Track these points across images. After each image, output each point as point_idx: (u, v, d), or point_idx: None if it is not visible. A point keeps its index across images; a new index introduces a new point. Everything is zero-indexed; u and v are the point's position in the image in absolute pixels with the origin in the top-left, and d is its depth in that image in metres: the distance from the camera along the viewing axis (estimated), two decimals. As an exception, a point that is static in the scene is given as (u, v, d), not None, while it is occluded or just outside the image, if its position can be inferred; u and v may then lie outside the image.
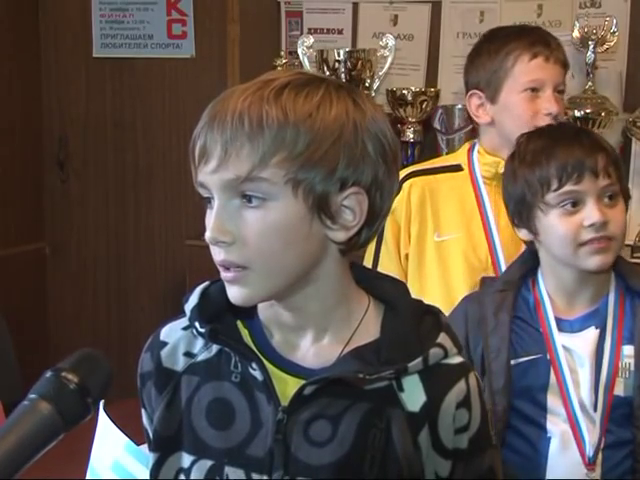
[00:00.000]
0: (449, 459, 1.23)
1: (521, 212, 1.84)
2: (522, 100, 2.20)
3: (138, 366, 1.31)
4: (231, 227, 1.16)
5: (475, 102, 2.27)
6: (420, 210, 2.29)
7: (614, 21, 3.04)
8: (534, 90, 2.19)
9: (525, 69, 2.20)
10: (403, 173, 2.35)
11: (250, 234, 1.15)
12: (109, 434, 1.62)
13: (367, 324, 1.24)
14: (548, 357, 1.81)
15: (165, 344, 1.29)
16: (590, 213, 1.76)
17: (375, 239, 2.32)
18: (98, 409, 1.62)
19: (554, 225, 1.79)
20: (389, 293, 1.26)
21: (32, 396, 1.08)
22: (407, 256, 2.32)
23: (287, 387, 1.21)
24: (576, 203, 1.77)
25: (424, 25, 3.49)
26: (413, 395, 1.21)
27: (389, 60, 3.36)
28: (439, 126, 3.28)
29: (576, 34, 3.06)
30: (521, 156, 1.85)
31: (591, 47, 3.02)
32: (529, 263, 1.89)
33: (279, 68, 3.37)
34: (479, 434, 1.24)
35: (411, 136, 3.29)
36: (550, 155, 1.79)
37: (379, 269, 2.31)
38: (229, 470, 1.22)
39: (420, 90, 3.30)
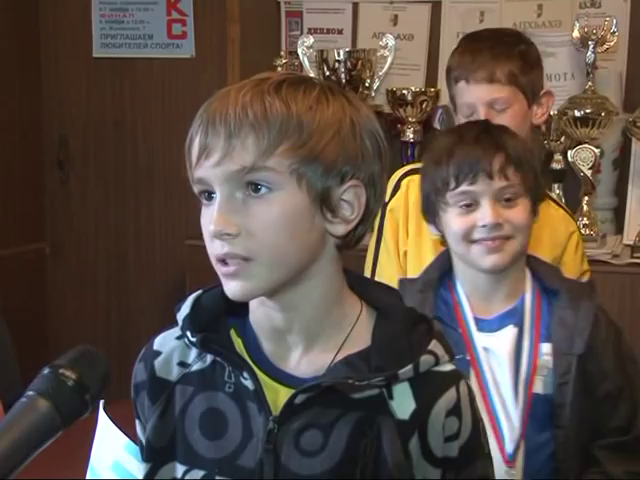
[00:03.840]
0: (439, 467, 1.22)
1: (428, 209, 1.88)
2: (463, 120, 2.21)
3: (132, 377, 1.30)
4: (236, 219, 1.15)
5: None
6: (417, 207, 2.29)
7: (614, 21, 3.04)
8: (471, 114, 2.20)
9: (457, 91, 2.24)
10: (401, 172, 2.37)
11: (256, 225, 1.15)
12: (109, 434, 1.62)
13: (360, 330, 1.23)
14: (468, 357, 1.81)
15: (159, 354, 1.28)
16: (483, 214, 1.78)
17: (375, 237, 2.34)
18: (98, 409, 1.62)
19: (450, 223, 1.82)
20: (382, 299, 1.26)
21: (30, 393, 1.07)
22: (406, 253, 2.32)
23: (278, 397, 1.21)
24: (471, 203, 1.79)
25: (424, 25, 3.49)
26: (403, 402, 1.20)
27: (389, 60, 3.36)
28: (439, 126, 3.28)
29: (576, 34, 3.06)
30: (429, 154, 1.89)
31: (591, 47, 3.02)
32: (447, 263, 1.90)
33: (279, 68, 3.37)
34: (470, 443, 1.23)
35: (411, 136, 3.29)
36: (451, 155, 1.81)
37: (378, 267, 2.33)
38: None
39: (420, 90, 3.30)
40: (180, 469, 1.25)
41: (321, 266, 1.20)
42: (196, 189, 1.19)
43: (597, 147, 3.00)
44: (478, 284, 1.84)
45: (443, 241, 1.91)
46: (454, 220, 1.81)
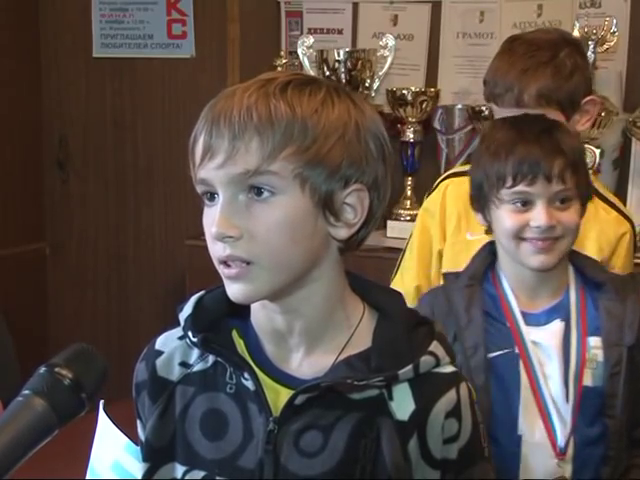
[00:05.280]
0: (437, 469, 1.21)
1: (479, 199, 1.87)
2: None
3: (133, 376, 1.30)
4: (238, 222, 1.14)
5: None
6: (455, 209, 2.29)
7: (614, 21, 3.04)
8: None
9: (492, 108, 2.24)
10: (444, 175, 2.39)
11: (259, 228, 1.14)
12: (109, 434, 1.62)
13: (361, 332, 1.23)
14: (517, 351, 1.82)
15: (160, 353, 1.28)
16: (538, 216, 1.78)
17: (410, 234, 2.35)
18: (98, 409, 1.63)
19: (503, 218, 1.82)
20: (383, 301, 1.25)
21: (26, 392, 1.07)
22: (439, 252, 2.32)
23: (279, 397, 1.21)
24: (526, 203, 1.79)
25: (424, 25, 3.49)
26: (402, 403, 1.20)
27: (389, 60, 3.36)
28: (439, 126, 3.28)
29: (576, 34, 3.06)
30: (487, 143, 1.86)
31: (591, 47, 3.02)
32: (490, 257, 1.91)
33: (279, 68, 3.37)
34: (469, 445, 1.23)
35: (411, 136, 3.29)
36: (509, 151, 1.80)
37: (403, 262, 2.36)
38: None
39: (420, 90, 3.30)
40: (180, 469, 1.25)
41: (324, 270, 1.20)
42: (199, 189, 1.19)
43: (597, 147, 2.99)
44: (524, 279, 1.85)
45: (489, 231, 1.91)
46: (507, 217, 1.81)
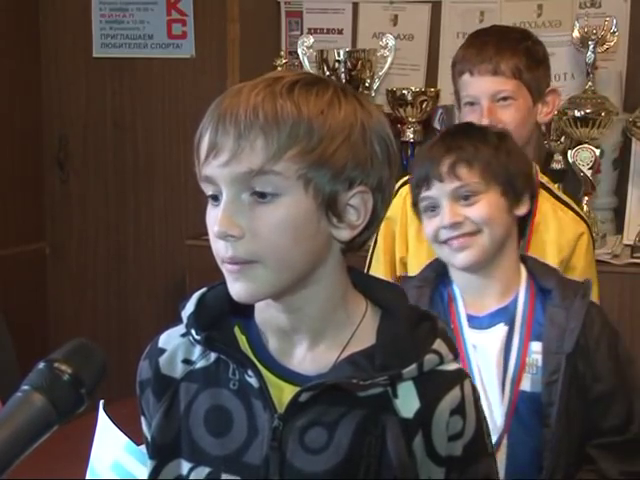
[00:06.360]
0: (442, 466, 1.22)
1: (417, 213, 1.92)
2: (466, 114, 2.24)
3: (137, 374, 1.30)
4: (241, 221, 1.14)
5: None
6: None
7: (614, 21, 3.04)
8: (472, 104, 2.22)
9: (461, 85, 2.25)
10: (402, 179, 2.37)
11: (261, 227, 1.14)
12: (109, 434, 1.62)
13: (365, 329, 1.23)
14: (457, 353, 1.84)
15: (163, 351, 1.28)
16: (442, 215, 1.82)
17: (373, 241, 2.34)
18: (98, 409, 1.63)
19: (424, 226, 1.88)
20: (386, 298, 1.25)
21: (25, 387, 1.07)
22: (401, 260, 2.32)
23: (283, 394, 1.21)
24: (435, 207, 1.83)
25: (424, 25, 3.49)
26: (407, 401, 1.20)
27: (389, 60, 3.36)
28: (439, 126, 3.28)
29: (576, 34, 3.06)
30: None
31: (591, 47, 3.02)
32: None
33: (279, 68, 3.37)
34: (473, 442, 1.23)
35: (411, 136, 3.30)
36: (415, 162, 1.91)
37: (369, 271, 2.34)
38: (226, 477, 1.22)
39: (420, 90, 3.30)
40: (186, 466, 1.25)
41: (326, 271, 1.20)
42: (203, 187, 1.19)
43: (597, 147, 3.00)
44: (469, 281, 1.86)
45: None
46: (425, 224, 1.87)
